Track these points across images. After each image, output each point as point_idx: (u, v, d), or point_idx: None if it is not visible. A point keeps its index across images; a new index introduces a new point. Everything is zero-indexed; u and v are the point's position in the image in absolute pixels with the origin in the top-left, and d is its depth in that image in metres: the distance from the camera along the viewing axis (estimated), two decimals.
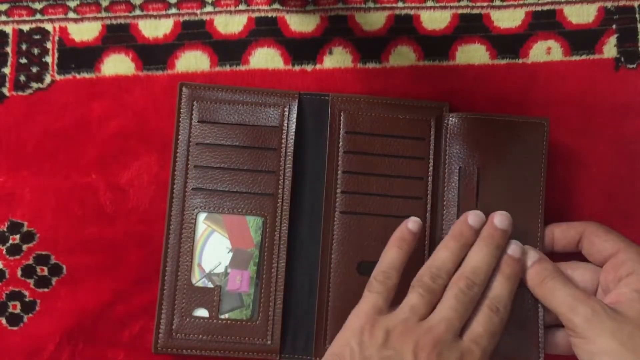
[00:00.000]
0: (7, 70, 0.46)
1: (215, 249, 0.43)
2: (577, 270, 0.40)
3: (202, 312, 0.42)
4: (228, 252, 0.43)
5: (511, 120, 0.43)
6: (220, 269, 0.42)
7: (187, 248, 0.43)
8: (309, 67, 0.47)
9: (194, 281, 0.42)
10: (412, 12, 0.47)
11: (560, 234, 0.41)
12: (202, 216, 0.43)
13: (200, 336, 0.41)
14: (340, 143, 0.44)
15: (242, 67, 0.47)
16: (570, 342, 0.38)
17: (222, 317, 0.42)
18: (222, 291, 0.42)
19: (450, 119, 0.43)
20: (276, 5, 0.47)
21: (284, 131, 0.44)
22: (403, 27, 0.47)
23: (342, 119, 0.44)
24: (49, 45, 0.47)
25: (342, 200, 0.43)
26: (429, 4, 0.47)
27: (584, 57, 0.47)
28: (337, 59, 0.47)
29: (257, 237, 0.43)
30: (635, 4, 0.48)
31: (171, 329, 0.42)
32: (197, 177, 0.43)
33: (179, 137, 0.44)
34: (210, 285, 0.42)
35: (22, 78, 0.46)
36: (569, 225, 0.41)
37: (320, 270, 0.42)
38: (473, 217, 0.40)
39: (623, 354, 0.34)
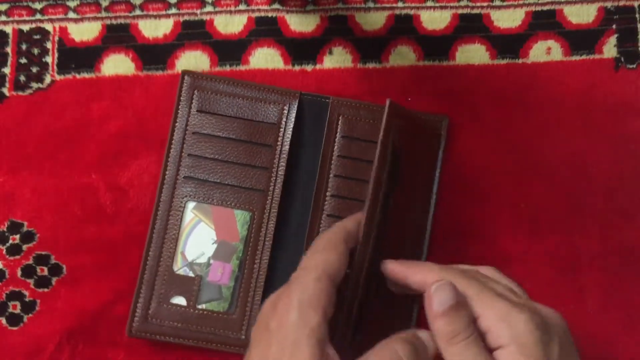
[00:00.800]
0: (7, 70, 0.46)
1: (200, 239, 0.43)
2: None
3: (180, 300, 0.42)
4: (213, 244, 0.43)
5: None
6: (203, 259, 0.43)
7: (173, 235, 0.43)
8: (309, 67, 0.47)
9: (175, 269, 0.42)
10: (412, 12, 0.47)
11: (412, 283, 0.33)
12: (190, 205, 0.43)
13: (176, 324, 0.42)
14: (336, 147, 0.44)
15: (242, 67, 0.47)
16: None
17: (200, 307, 0.42)
18: (203, 281, 0.42)
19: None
20: (276, 5, 0.47)
21: (281, 129, 0.44)
22: (403, 27, 0.47)
23: (339, 123, 0.44)
24: (49, 45, 0.47)
25: (331, 203, 0.43)
26: (429, 4, 0.47)
27: (584, 57, 0.47)
28: (337, 59, 0.47)
29: (243, 232, 0.43)
30: (635, 4, 0.48)
31: (147, 314, 0.42)
32: (190, 166, 0.43)
33: (176, 124, 0.44)
34: (191, 274, 0.42)
35: (22, 78, 0.46)
36: (420, 273, 0.33)
37: None
38: None
39: None
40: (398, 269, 0.35)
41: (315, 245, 0.34)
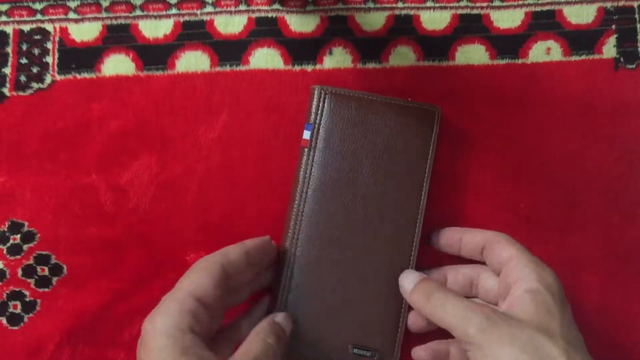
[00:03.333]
0: (7, 70, 0.47)
1: None
2: (482, 275, 0.41)
3: None
4: None
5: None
6: None
7: None
8: (309, 68, 0.47)
9: None
10: (412, 12, 0.47)
11: (468, 238, 0.41)
12: None
13: None
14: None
15: (242, 67, 0.47)
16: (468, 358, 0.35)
17: None
18: None
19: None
20: (276, 6, 0.47)
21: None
22: (403, 28, 0.47)
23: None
24: (49, 45, 0.47)
25: None
26: (429, 4, 0.47)
27: (583, 57, 0.47)
28: (337, 59, 0.47)
29: None
30: (635, 4, 0.48)
31: None
32: None
33: None
34: None
35: (23, 78, 0.46)
36: (477, 231, 0.41)
37: None
38: None
39: None
40: (453, 234, 0.42)
41: (191, 267, 0.37)
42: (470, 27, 0.47)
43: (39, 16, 0.47)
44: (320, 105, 0.43)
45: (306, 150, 0.43)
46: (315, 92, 0.43)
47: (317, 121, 0.43)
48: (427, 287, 0.38)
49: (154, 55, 0.47)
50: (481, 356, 0.33)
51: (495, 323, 0.33)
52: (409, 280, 0.40)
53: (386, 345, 0.42)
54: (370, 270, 0.42)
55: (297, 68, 0.47)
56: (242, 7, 0.47)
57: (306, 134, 0.43)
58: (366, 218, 0.42)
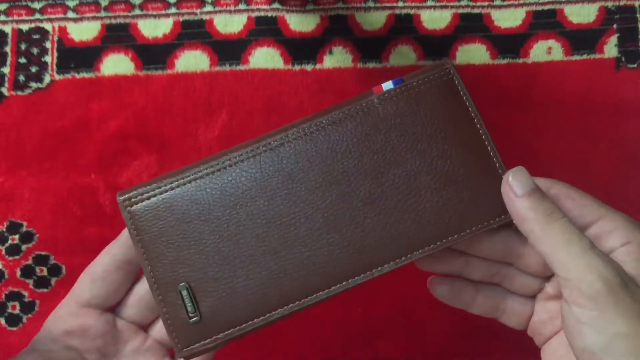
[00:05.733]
0: (6, 70, 0.46)
1: None
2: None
3: None
4: None
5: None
6: None
7: None
8: (309, 67, 0.47)
9: None
10: (412, 11, 0.47)
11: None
12: None
13: None
14: None
15: (242, 67, 0.46)
16: (563, 312, 0.28)
17: None
18: None
19: None
20: (276, 5, 0.47)
21: None
22: (403, 27, 0.47)
23: None
24: (48, 45, 0.47)
25: None
26: (429, 3, 0.47)
27: (584, 56, 0.47)
28: (337, 58, 0.47)
29: None
30: (636, 4, 0.47)
31: None
32: None
33: None
34: None
35: (22, 78, 0.46)
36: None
37: None
38: None
39: None
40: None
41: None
42: (471, 26, 0.47)
43: (37, 15, 0.47)
44: (434, 78, 0.32)
45: (370, 98, 0.31)
46: (450, 67, 0.33)
47: (414, 87, 0.32)
48: (548, 204, 0.30)
49: (153, 54, 0.46)
50: (595, 319, 0.26)
51: (626, 285, 0.26)
52: (522, 183, 0.31)
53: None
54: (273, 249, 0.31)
55: (297, 67, 0.46)
56: (242, 7, 0.47)
57: (388, 84, 0.32)
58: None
